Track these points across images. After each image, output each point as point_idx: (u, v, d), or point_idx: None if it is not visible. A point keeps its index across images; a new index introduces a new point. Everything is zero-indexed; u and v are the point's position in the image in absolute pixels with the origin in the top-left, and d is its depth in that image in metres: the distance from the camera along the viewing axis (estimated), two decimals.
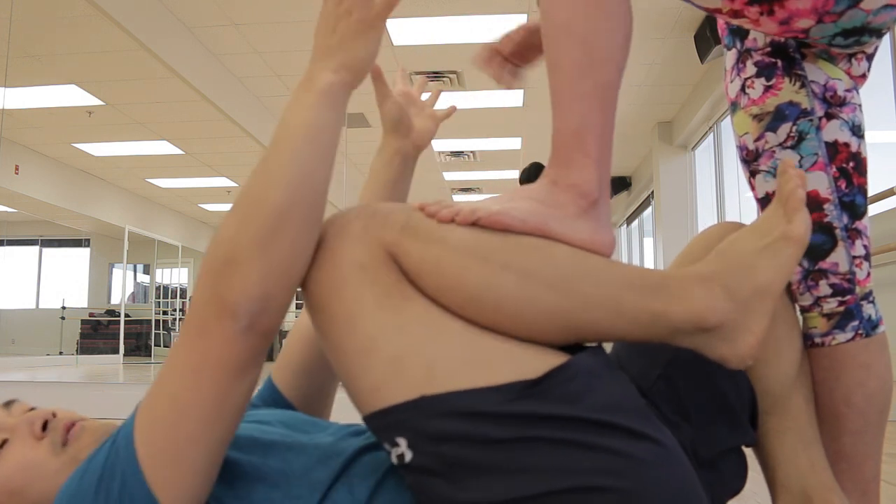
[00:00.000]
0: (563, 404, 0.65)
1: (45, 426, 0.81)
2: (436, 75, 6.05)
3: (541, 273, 0.70)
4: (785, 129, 0.91)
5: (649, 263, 9.65)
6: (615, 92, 0.79)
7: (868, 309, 0.94)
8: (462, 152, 8.70)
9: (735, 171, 5.59)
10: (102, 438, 0.78)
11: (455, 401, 0.65)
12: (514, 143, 8.04)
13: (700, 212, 7.04)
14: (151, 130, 7.49)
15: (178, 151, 8.25)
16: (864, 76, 0.94)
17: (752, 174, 0.96)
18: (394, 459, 0.68)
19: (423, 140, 1.08)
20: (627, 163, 9.31)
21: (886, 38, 3.62)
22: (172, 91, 5.93)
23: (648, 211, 9.47)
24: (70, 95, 6.43)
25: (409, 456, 0.67)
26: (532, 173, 4.44)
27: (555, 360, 0.68)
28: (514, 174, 7.73)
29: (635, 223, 10.82)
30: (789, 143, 0.91)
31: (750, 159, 0.95)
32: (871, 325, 0.94)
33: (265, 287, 0.68)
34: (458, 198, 11.29)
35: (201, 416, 0.68)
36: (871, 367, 0.93)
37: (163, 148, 8.14)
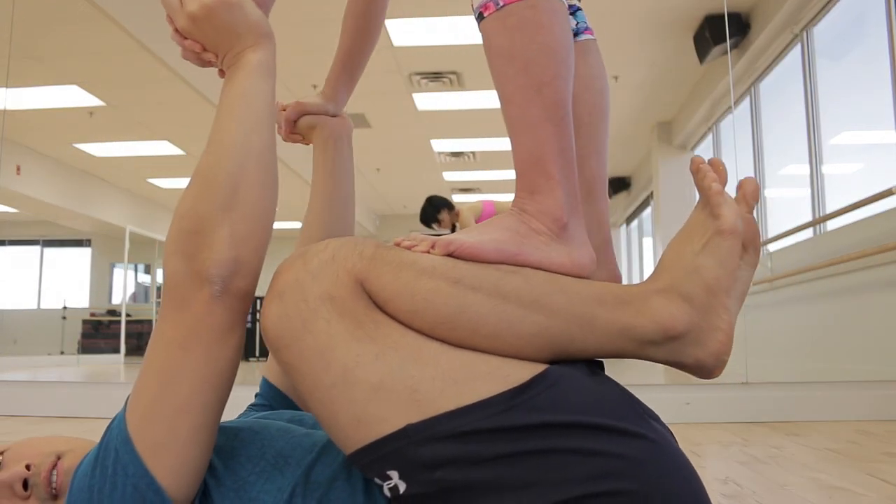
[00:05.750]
0: (551, 411, 0.65)
1: (25, 485, 0.76)
2: (436, 75, 6.05)
3: (516, 293, 0.71)
4: None
5: (649, 263, 9.66)
6: (567, 108, 0.78)
7: None
8: (462, 152, 8.70)
9: (734, 170, 5.60)
10: (84, 453, 0.78)
11: (443, 424, 0.65)
12: None
13: None
14: (152, 131, 7.49)
15: (180, 152, 8.25)
16: None
17: None
18: (386, 493, 0.68)
19: (342, 121, 1.19)
20: (627, 163, 9.31)
21: (885, 39, 3.59)
22: (173, 92, 5.93)
23: (648, 211, 9.48)
24: (71, 96, 6.44)
25: (402, 487, 0.66)
26: (429, 212, 4.37)
27: (536, 367, 0.69)
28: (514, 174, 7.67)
29: (634, 223, 10.83)
30: None
31: None
32: None
33: (234, 250, 0.71)
34: (458, 198, 11.28)
35: (188, 385, 0.70)
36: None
37: (164, 148, 8.14)
